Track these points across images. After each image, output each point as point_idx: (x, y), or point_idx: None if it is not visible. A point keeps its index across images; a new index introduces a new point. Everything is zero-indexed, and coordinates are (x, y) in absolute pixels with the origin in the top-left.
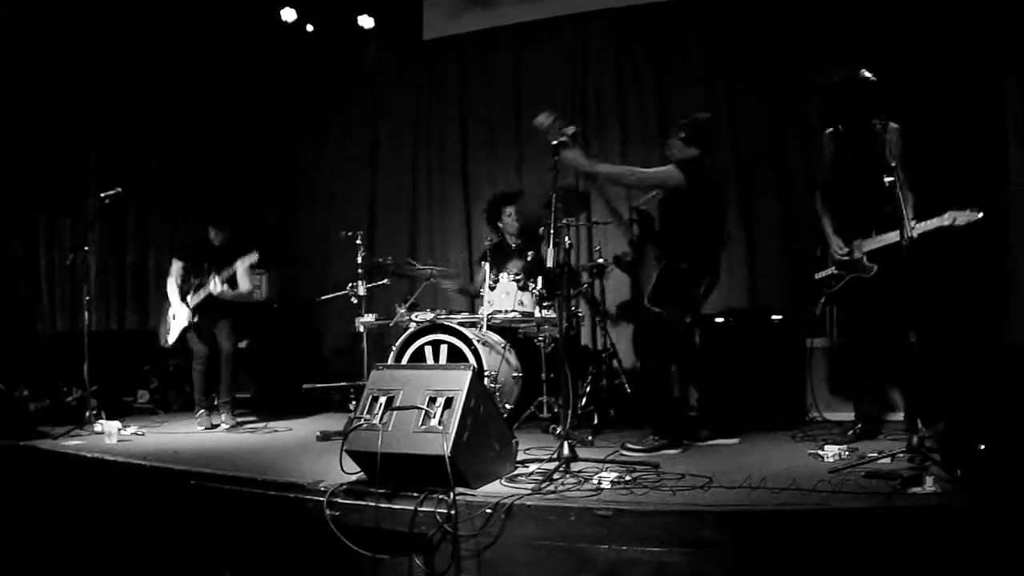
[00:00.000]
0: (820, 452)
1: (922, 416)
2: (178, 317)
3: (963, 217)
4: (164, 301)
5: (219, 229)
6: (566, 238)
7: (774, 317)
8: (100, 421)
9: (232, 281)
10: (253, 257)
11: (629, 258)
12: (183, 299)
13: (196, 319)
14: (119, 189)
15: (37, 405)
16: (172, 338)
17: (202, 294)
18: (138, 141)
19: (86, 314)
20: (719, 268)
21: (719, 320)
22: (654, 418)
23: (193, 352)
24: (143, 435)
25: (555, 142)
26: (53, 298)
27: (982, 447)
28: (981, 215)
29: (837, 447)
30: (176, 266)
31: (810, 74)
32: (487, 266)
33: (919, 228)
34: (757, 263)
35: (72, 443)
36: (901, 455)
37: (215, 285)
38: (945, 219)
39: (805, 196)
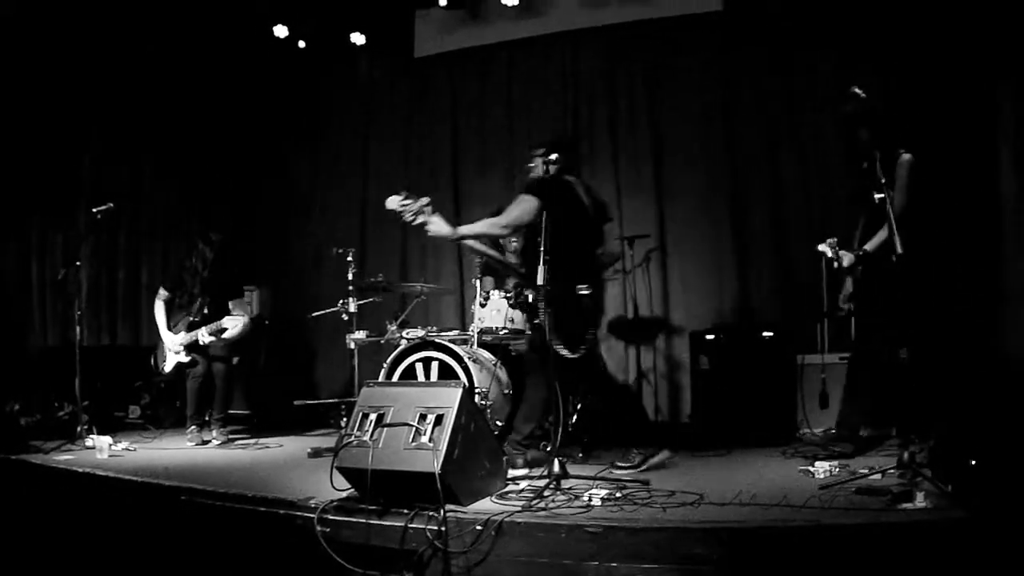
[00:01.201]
0: (811, 468)
1: (914, 431)
2: (172, 351)
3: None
4: (156, 327)
5: (209, 244)
6: None
7: (765, 334)
8: (91, 436)
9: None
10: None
11: (521, 298)
12: (171, 329)
13: (189, 357)
14: (110, 204)
15: (28, 419)
16: (168, 367)
17: (191, 337)
18: (130, 157)
19: (77, 329)
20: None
21: (710, 337)
22: (628, 434)
23: (195, 368)
24: (134, 450)
25: (413, 222)
26: (45, 312)
27: (973, 462)
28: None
29: (828, 463)
30: (163, 294)
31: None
32: (478, 284)
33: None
34: (749, 280)
35: (63, 458)
36: (892, 471)
37: (203, 338)
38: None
39: (799, 213)
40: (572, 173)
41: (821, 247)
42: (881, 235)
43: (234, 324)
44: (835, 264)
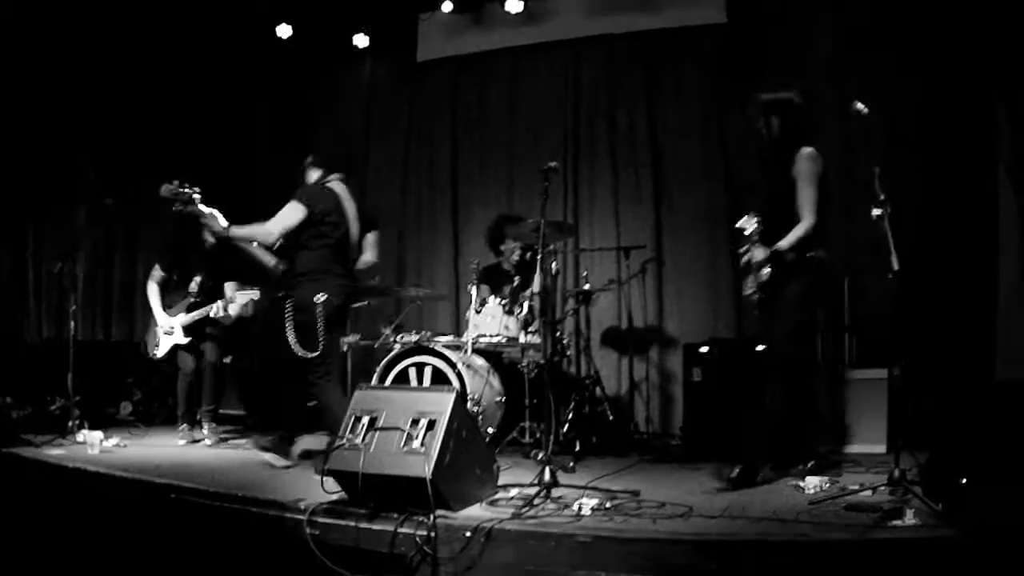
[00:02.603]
0: (801, 483)
1: (905, 448)
2: (169, 332)
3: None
4: (149, 312)
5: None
6: (553, 264)
7: (758, 348)
8: (83, 431)
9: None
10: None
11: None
12: (166, 310)
13: (189, 339)
14: (109, 200)
15: (20, 413)
16: (161, 352)
17: (197, 315)
18: (128, 153)
19: (72, 323)
20: (345, 287)
21: (704, 349)
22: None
23: (180, 367)
24: (125, 447)
25: (181, 210)
26: (40, 306)
27: (963, 481)
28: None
29: (818, 479)
30: (157, 275)
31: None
32: (474, 290)
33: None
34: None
35: (54, 452)
36: (883, 487)
37: (216, 310)
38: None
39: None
40: (341, 182)
41: (742, 223)
42: (796, 233)
43: (245, 297)
44: (747, 252)
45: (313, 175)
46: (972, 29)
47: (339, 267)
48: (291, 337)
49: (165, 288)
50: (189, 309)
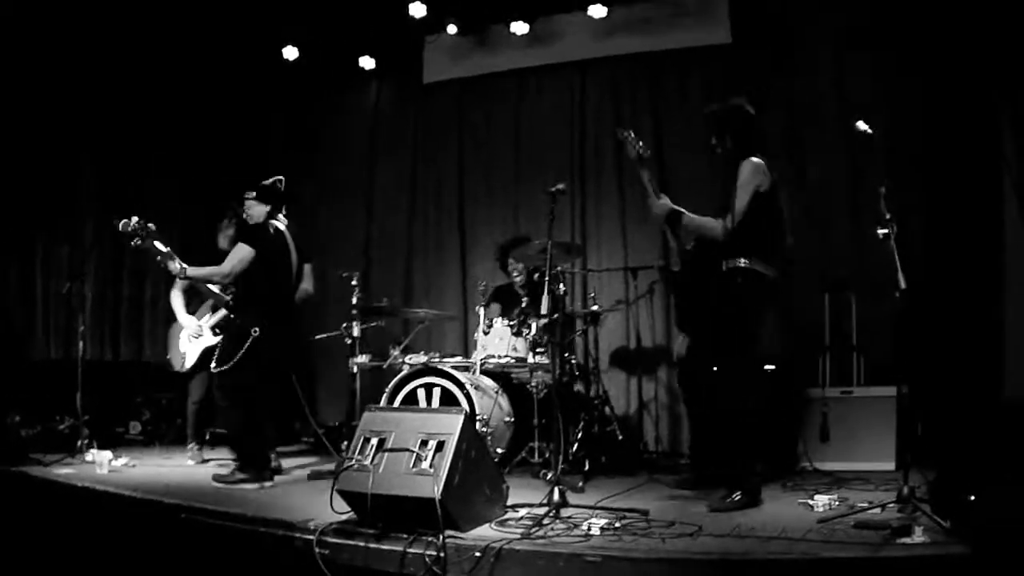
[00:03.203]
0: (810, 501)
1: (913, 465)
2: (197, 336)
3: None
4: (171, 324)
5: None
6: (561, 285)
7: (767, 367)
8: (92, 451)
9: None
10: None
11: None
12: (192, 314)
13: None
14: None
15: (29, 432)
16: (190, 362)
17: (224, 312)
18: (135, 178)
19: (80, 343)
20: (286, 318)
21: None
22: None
23: (191, 391)
24: (134, 466)
25: (139, 246)
26: (48, 326)
27: (972, 498)
28: None
29: (827, 497)
30: (181, 282)
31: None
32: (482, 311)
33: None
34: None
35: (63, 471)
36: (891, 505)
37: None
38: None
39: (801, 246)
40: (279, 217)
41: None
42: (708, 221)
43: (306, 291)
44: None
45: (256, 210)
46: (976, 39)
47: (281, 303)
48: (216, 353)
49: (188, 294)
50: (214, 309)
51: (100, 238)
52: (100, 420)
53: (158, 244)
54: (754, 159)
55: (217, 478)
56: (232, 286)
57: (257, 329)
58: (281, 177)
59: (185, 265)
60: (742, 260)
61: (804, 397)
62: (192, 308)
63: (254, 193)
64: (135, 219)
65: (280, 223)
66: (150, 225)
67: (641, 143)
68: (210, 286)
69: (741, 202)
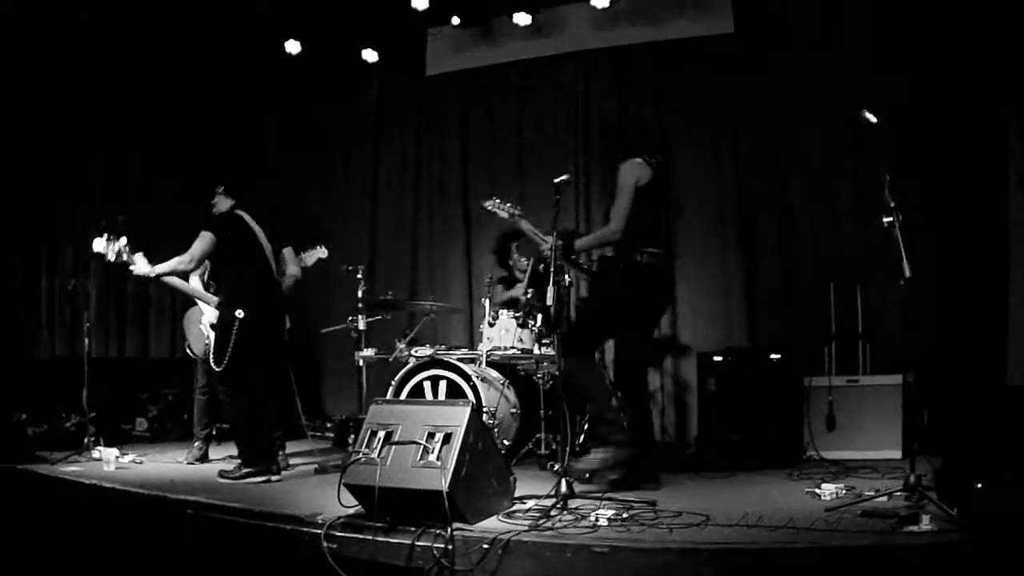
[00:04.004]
0: (817, 490)
1: (920, 453)
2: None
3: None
4: (185, 313)
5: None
6: (566, 276)
7: (773, 356)
8: (98, 448)
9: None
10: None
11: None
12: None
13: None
14: (123, 217)
15: (35, 430)
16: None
17: None
18: (140, 172)
19: (86, 340)
20: (268, 302)
21: (718, 359)
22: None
23: (197, 377)
24: (141, 463)
25: (116, 262)
26: (53, 323)
27: (979, 485)
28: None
29: (834, 485)
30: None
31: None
32: (487, 303)
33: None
34: (757, 302)
35: (70, 469)
36: (898, 493)
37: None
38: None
39: (807, 234)
40: (246, 207)
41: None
42: (594, 235)
43: (312, 257)
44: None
45: (223, 204)
46: (982, 37)
47: (259, 287)
48: (210, 351)
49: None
50: None
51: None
52: (106, 417)
53: (133, 257)
54: (629, 160)
55: (223, 474)
56: (214, 282)
57: (240, 311)
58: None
59: (153, 268)
60: (635, 254)
61: (810, 386)
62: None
63: (223, 188)
64: (105, 235)
65: (243, 214)
66: (120, 240)
67: (508, 204)
68: (196, 287)
69: (623, 203)
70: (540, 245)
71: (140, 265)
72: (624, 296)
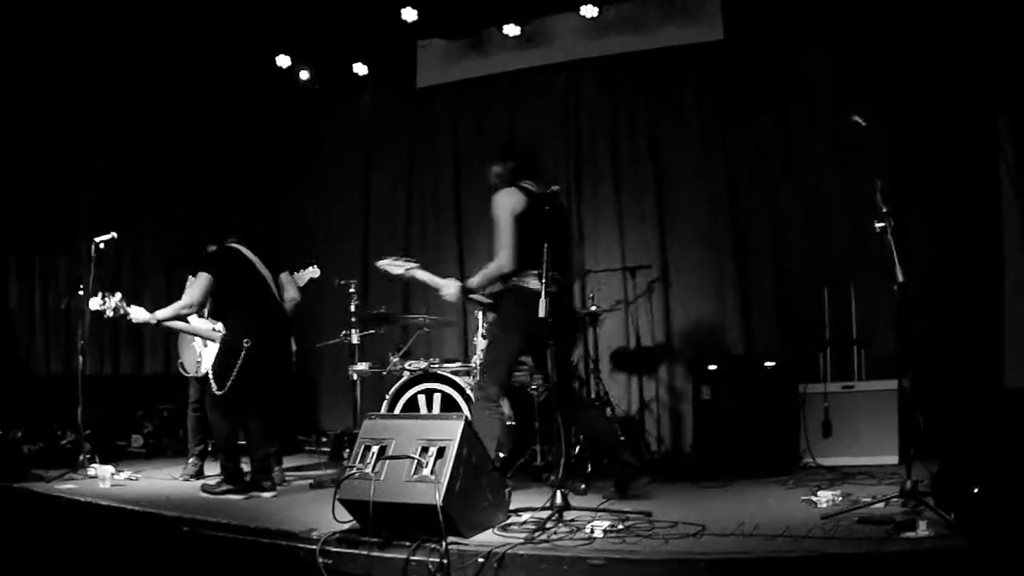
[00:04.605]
0: (813, 498)
1: (916, 459)
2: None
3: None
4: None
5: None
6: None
7: (767, 364)
8: (94, 465)
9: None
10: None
11: None
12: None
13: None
14: (114, 234)
15: (31, 447)
16: (207, 366)
17: None
18: (131, 187)
19: (80, 358)
20: (273, 327)
21: (712, 367)
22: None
23: (190, 394)
24: (137, 480)
25: (114, 316)
26: (47, 340)
27: (976, 490)
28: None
29: (831, 492)
30: None
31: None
32: (480, 315)
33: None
34: (751, 310)
35: (66, 487)
36: (895, 499)
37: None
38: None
39: (799, 241)
40: (241, 241)
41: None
42: (484, 272)
43: (306, 276)
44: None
45: (212, 248)
46: (971, 40)
47: (263, 317)
48: (211, 373)
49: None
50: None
51: (99, 254)
52: (102, 434)
53: (130, 308)
54: (500, 192)
55: (205, 488)
56: (218, 319)
57: (248, 340)
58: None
59: (153, 315)
60: (518, 280)
61: (805, 393)
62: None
63: (206, 234)
64: (100, 294)
65: (235, 246)
66: (114, 295)
67: (403, 259)
68: (199, 327)
69: (503, 234)
70: (439, 291)
71: (138, 314)
72: (518, 325)
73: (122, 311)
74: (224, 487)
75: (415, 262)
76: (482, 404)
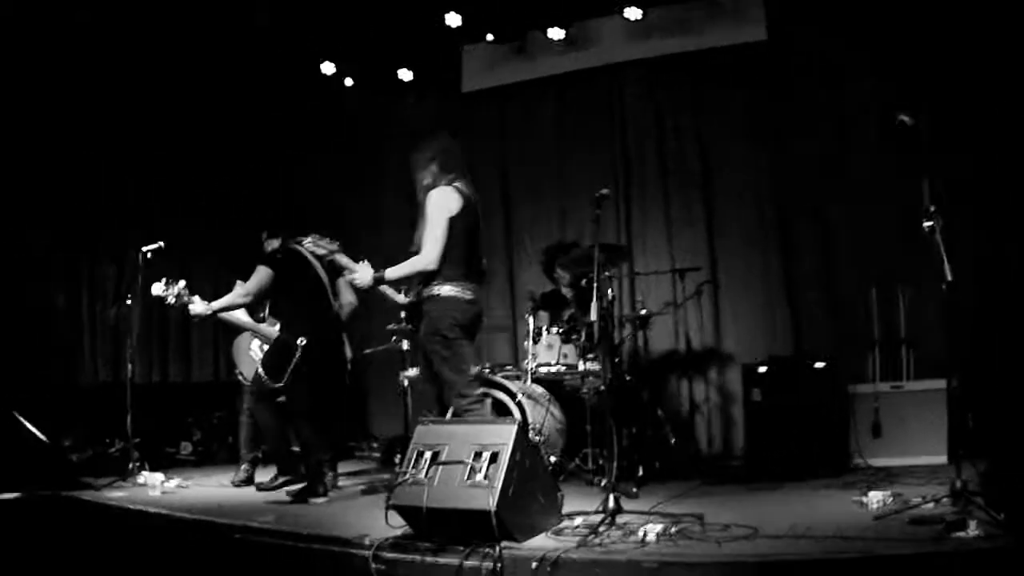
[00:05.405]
0: (864, 499)
1: (966, 459)
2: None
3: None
4: (232, 338)
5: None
6: (609, 290)
7: (817, 364)
8: (143, 472)
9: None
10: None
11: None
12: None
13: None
14: (160, 244)
15: (80, 456)
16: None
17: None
18: (180, 194)
19: (129, 366)
20: (327, 329)
21: (762, 369)
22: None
23: (245, 403)
24: (187, 487)
25: (175, 305)
26: (95, 349)
27: None
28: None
29: (881, 493)
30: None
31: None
32: (531, 320)
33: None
34: (800, 310)
35: (115, 494)
36: (945, 499)
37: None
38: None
39: (847, 240)
40: (297, 241)
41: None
42: (406, 265)
43: (351, 303)
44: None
45: (271, 244)
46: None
47: (318, 318)
48: (260, 368)
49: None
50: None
51: (147, 262)
52: (151, 442)
53: (192, 299)
54: (436, 189)
55: (259, 486)
56: (272, 316)
57: (303, 339)
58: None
59: (210, 304)
60: (440, 286)
61: (855, 393)
62: (257, 316)
63: (266, 233)
64: (164, 280)
65: (294, 247)
66: (178, 283)
67: (326, 240)
68: (247, 320)
69: (434, 232)
70: (354, 279)
71: (198, 306)
72: (453, 326)
73: (185, 298)
74: (280, 480)
75: (336, 244)
76: (467, 408)
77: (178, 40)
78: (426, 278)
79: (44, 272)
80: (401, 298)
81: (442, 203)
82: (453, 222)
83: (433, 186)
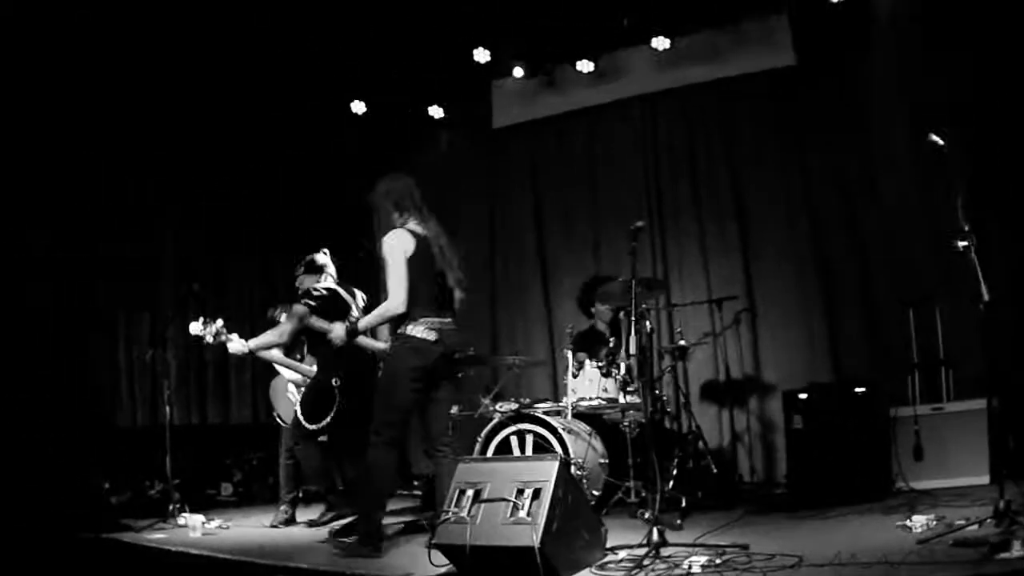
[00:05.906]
0: (908, 523)
1: (1009, 479)
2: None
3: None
4: (270, 380)
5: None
6: (647, 323)
7: (858, 389)
8: (183, 514)
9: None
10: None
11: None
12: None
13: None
14: (196, 285)
15: (119, 498)
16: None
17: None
18: (213, 237)
19: (167, 408)
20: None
21: (803, 396)
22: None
23: (283, 446)
24: (227, 528)
25: (214, 343)
26: (133, 392)
27: None
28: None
29: (925, 517)
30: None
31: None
32: (570, 354)
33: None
34: (839, 336)
35: (156, 536)
36: (989, 521)
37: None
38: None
39: (882, 267)
40: (332, 279)
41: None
42: (375, 312)
43: (387, 340)
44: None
45: (307, 282)
46: None
47: (355, 352)
48: (299, 410)
49: (288, 345)
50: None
51: (182, 305)
52: (191, 483)
53: (230, 337)
54: (390, 233)
55: (311, 523)
56: (311, 354)
57: (337, 379)
58: (325, 249)
59: (246, 344)
60: (410, 327)
61: (896, 416)
62: (293, 356)
63: (302, 268)
64: (201, 319)
65: (329, 283)
66: (216, 323)
67: (306, 299)
68: (283, 358)
69: (395, 275)
70: (328, 333)
71: (236, 344)
72: (408, 371)
73: (223, 337)
74: (328, 515)
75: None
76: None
77: (205, 95)
78: (396, 321)
79: (79, 318)
80: (382, 345)
81: (396, 244)
82: (411, 263)
83: (387, 229)
